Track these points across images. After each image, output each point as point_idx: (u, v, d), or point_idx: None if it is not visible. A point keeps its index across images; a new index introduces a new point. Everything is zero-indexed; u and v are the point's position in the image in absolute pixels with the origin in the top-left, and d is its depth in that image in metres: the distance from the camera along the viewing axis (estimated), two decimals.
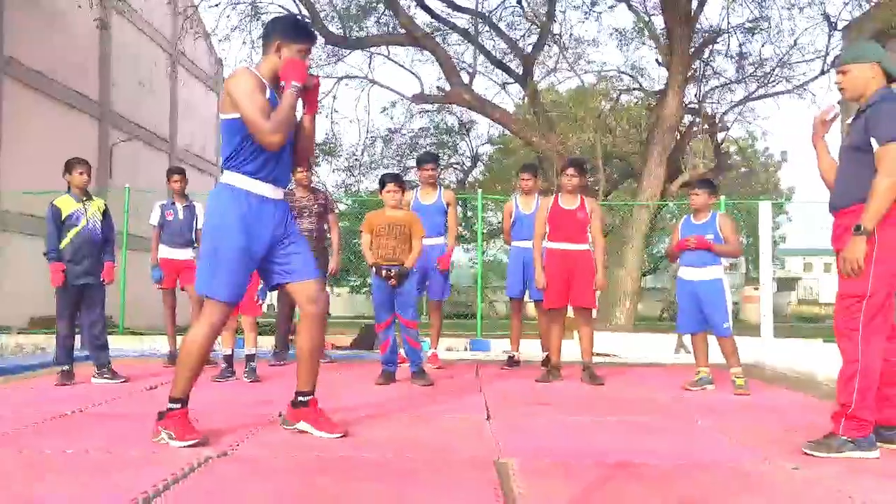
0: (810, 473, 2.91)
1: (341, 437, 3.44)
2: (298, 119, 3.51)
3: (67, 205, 5.44)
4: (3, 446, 3.21)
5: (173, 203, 6.63)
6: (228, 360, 5.69)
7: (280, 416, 3.73)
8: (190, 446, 3.17)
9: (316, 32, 3.66)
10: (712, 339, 5.48)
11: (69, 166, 5.53)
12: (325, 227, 6.78)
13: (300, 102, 3.42)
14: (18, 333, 12.19)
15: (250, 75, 3.30)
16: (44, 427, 3.68)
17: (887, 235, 3.18)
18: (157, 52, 22.84)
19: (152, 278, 6.44)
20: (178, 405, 3.32)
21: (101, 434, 3.51)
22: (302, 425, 3.53)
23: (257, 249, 3.37)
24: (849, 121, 3.45)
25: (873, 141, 3.21)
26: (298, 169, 5.99)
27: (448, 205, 6.56)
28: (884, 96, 3.29)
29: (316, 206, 6.63)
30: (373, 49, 16.02)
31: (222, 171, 3.40)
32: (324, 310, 3.53)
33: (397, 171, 16.27)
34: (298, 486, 2.63)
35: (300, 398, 3.56)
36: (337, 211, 6.85)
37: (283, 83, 3.35)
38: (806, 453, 3.20)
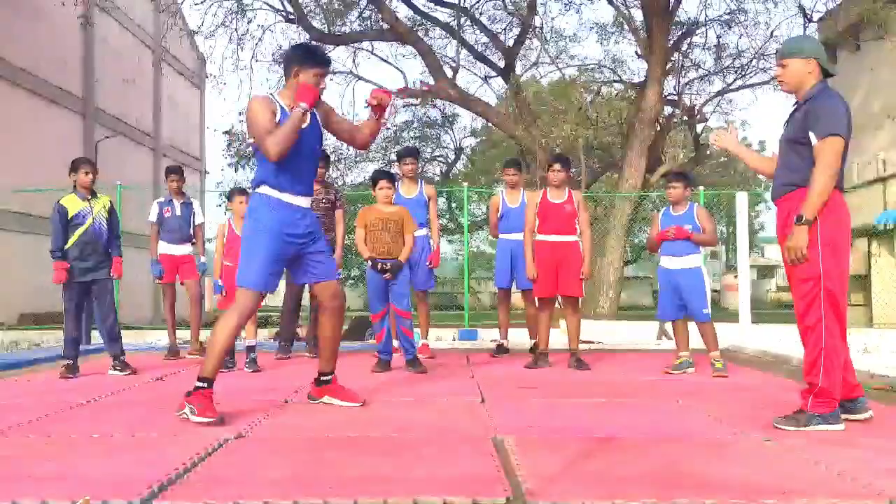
0: (780, 444, 3.17)
1: (361, 405, 3.99)
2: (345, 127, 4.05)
3: (73, 204, 5.57)
4: (30, 432, 3.43)
5: (171, 200, 6.82)
6: (230, 351, 5.89)
7: (308, 396, 4.19)
8: (206, 423, 3.45)
9: (330, 57, 4.05)
10: (693, 325, 5.76)
11: (75, 166, 5.68)
12: (332, 221, 6.87)
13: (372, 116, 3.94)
14: (8, 329, 12.30)
15: (261, 100, 3.77)
16: (65, 415, 3.89)
17: (828, 221, 3.41)
18: (141, 48, 22.83)
19: (152, 273, 6.62)
20: (205, 384, 3.63)
21: (121, 420, 3.73)
22: (326, 399, 4.09)
23: (287, 250, 3.81)
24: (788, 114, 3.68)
25: (812, 135, 3.42)
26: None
27: (429, 199, 6.70)
28: (821, 91, 3.49)
29: (325, 200, 6.79)
30: (356, 44, 16.17)
31: (258, 185, 3.82)
32: (343, 305, 4.07)
33: (383, 166, 16.49)
34: (312, 461, 2.86)
35: (322, 377, 4.11)
36: (344, 209, 7.10)
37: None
38: (777, 427, 3.44)
